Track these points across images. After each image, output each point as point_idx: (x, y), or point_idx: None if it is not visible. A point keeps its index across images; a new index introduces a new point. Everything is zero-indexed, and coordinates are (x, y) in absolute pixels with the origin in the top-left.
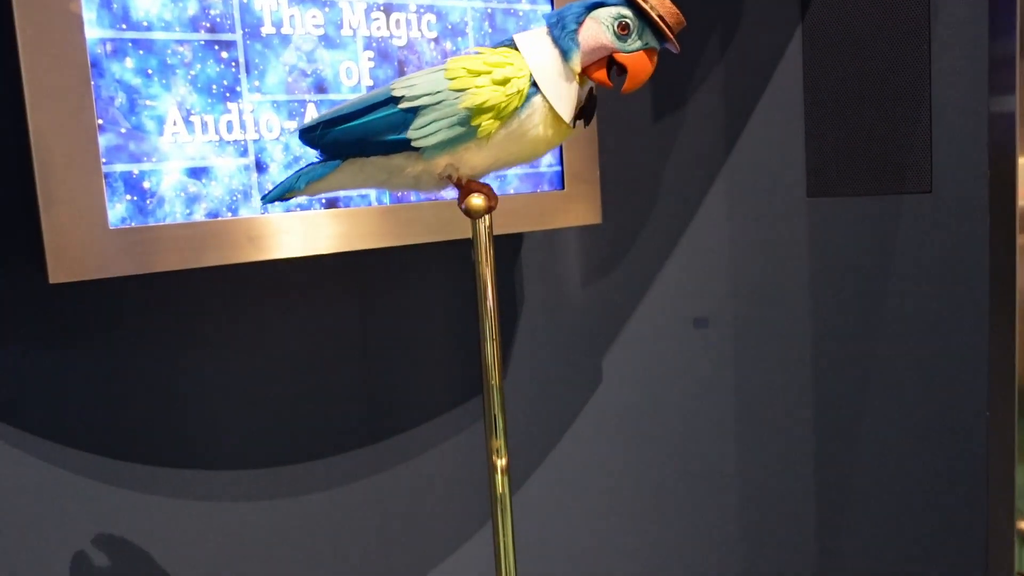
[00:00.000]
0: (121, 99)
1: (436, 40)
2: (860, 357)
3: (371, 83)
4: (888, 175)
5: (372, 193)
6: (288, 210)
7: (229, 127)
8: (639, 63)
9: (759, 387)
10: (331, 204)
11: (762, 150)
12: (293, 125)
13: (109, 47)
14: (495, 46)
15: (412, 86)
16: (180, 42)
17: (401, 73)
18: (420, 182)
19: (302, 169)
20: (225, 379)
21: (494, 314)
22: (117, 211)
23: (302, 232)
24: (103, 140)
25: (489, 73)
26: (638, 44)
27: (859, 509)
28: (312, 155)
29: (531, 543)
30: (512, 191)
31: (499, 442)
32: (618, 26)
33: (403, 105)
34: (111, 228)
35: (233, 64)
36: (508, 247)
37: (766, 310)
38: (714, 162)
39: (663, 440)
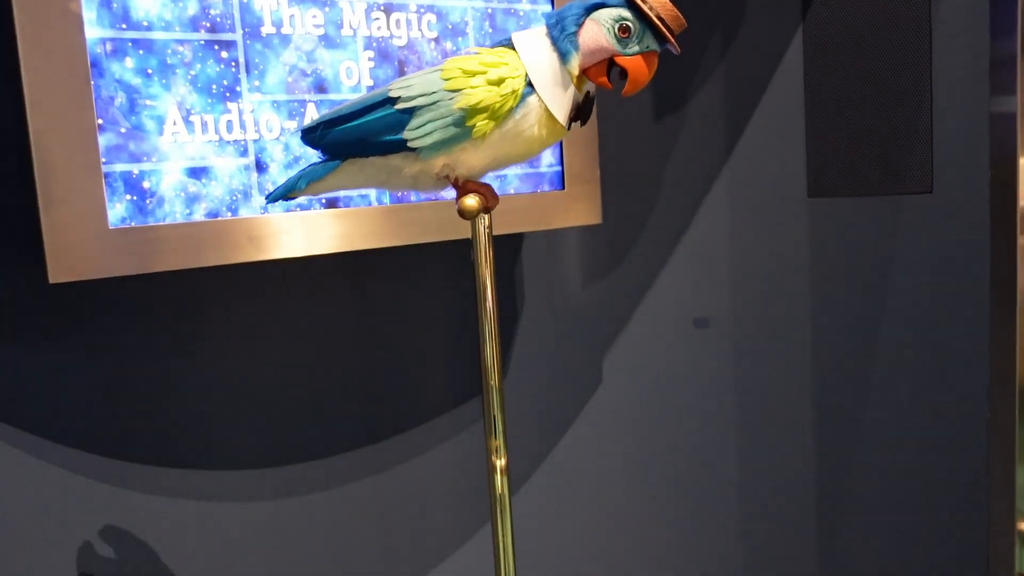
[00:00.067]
0: (121, 99)
1: (436, 40)
2: (860, 357)
3: (371, 83)
4: (889, 176)
5: (372, 193)
6: (288, 210)
7: (229, 127)
8: (640, 67)
9: (759, 387)
10: (331, 204)
11: (763, 150)
12: (293, 125)
13: (109, 47)
14: (494, 46)
15: (408, 87)
16: (180, 42)
17: (401, 73)
18: (418, 182)
19: (303, 170)
20: (225, 379)
21: (494, 314)
22: (117, 211)
23: (302, 232)
24: (103, 140)
25: (484, 73)
26: (639, 47)
27: (859, 509)
28: (313, 155)
29: (531, 543)
30: (512, 191)
31: (498, 442)
32: (619, 29)
33: (400, 106)
34: (111, 228)
35: (233, 64)
36: (508, 247)
37: (766, 310)
38: (715, 162)
39: (663, 440)
